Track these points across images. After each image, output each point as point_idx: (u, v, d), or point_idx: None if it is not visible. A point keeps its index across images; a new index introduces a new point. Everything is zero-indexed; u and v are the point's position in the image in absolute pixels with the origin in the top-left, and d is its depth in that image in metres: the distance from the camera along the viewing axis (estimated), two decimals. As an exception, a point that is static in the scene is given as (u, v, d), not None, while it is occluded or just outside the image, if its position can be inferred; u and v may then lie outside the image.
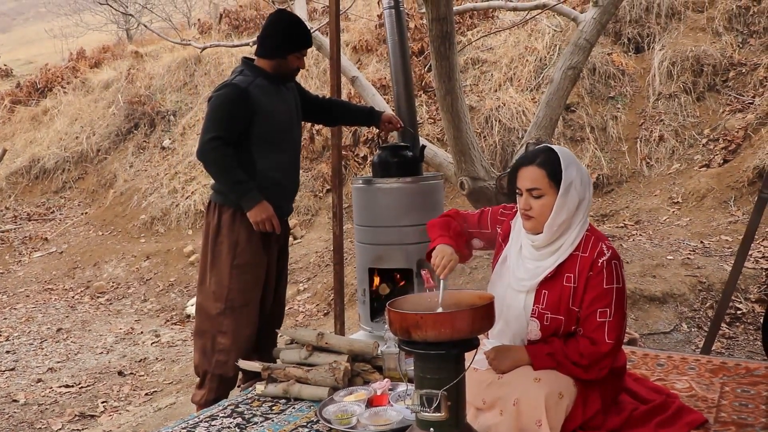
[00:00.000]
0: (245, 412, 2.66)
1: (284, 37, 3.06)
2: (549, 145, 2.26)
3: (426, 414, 1.84)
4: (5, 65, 15.32)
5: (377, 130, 7.79)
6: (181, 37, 10.49)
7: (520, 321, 2.20)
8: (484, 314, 1.85)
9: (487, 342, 2.29)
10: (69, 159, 10.71)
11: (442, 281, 2.10)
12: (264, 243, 3.09)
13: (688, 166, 6.45)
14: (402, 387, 2.58)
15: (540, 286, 2.17)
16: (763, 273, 4.61)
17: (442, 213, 2.47)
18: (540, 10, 6.35)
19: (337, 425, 2.37)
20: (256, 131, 2.99)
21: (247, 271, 3.05)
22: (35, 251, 9.03)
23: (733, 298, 4.24)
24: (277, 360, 3.03)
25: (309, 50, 3.24)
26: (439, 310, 1.96)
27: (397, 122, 3.54)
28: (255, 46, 3.17)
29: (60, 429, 4.16)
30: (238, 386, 3.25)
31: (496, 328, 2.26)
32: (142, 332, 6.07)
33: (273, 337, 3.31)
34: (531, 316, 2.17)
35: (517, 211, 2.37)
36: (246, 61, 3.13)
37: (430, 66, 4.35)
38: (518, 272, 2.24)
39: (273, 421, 2.55)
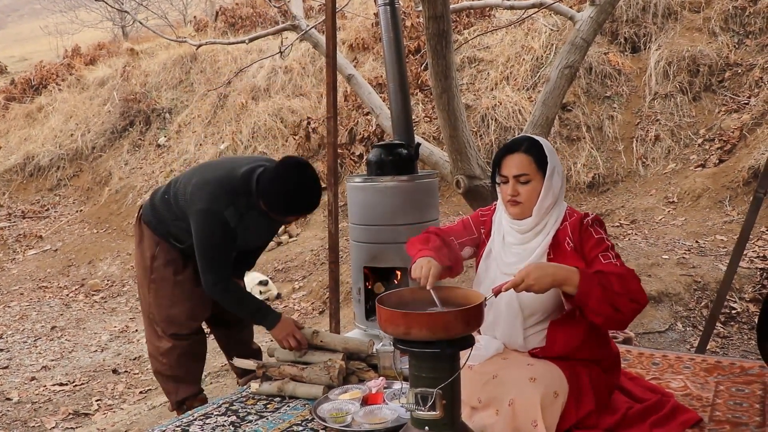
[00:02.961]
0: (240, 411, 2.65)
1: (280, 203, 2.80)
2: (527, 134, 2.30)
3: (421, 413, 1.83)
4: None
5: (373, 128, 7.80)
6: (177, 35, 10.47)
7: (511, 307, 2.21)
8: (471, 316, 1.82)
9: (479, 337, 2.29)
10: (64, 156, 10.69)
11: (432, 291, 2.03)
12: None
13: (684, 165, 6.46)
14: (397, 385, 2.58)
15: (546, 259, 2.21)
16: (758, 272, 4.61)
17: (423, 231, 2.45)
18: (537, 9, 6.35)
19: (332, 423, 2.36)
20: None
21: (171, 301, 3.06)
22: (29, 249, 9.00)
23: (727, 297, 4.25)
24: (272, 358, 3.02)
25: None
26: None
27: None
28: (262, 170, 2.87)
29: (54, 427, 4.14)
30: (237, 382, 3.25)
31: (488, 320, 2.25)
32: (136, 330, 6.05)
33: (242, 342, 3.35)
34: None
35: (495, 209, 2.39)
36: (245, 183, 2.82)
37: (427, 64, 4.34)
38: (506, 258, 2.27)
39: (267, 419, 2.54)
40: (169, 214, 2.92)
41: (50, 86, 12.40)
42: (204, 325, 3.21)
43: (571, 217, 2.24)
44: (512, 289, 2.02)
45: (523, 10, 6.57)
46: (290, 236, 7.50)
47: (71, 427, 4.14)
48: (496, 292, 1.97)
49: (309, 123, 8.56)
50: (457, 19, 8.80)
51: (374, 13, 9.19)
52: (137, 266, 3.11)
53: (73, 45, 14.28)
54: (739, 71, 6.89)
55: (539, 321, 2.22)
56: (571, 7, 6.56)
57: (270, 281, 6.37)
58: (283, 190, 2.74)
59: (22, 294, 7.62)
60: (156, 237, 2.99)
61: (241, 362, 2.99)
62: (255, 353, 3.32)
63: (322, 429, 2.40)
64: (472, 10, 8.54)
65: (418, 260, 2.18)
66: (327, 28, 3.70)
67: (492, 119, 7.34)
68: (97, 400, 4.51)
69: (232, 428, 2.48)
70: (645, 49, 7.59)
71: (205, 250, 2.81)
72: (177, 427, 2.53)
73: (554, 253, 2.21)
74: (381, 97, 5.82)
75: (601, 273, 2.00)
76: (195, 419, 2.60)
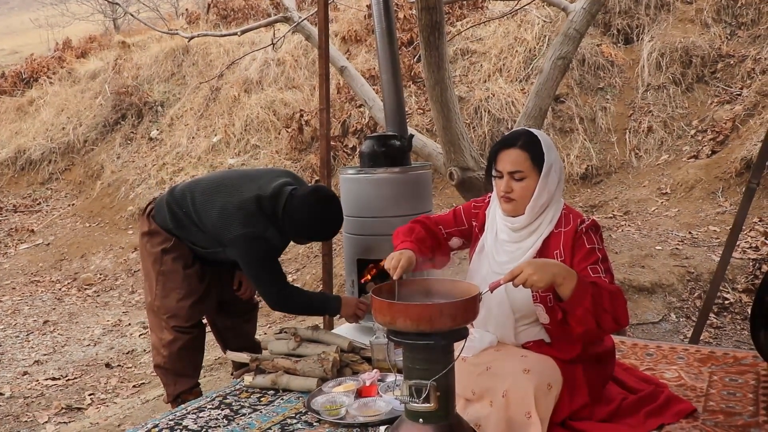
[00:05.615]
0: (233, 404, 2.64)
1: (304, 233, 2.96)
2: (526, 128, 2.26)
3: (415, 405, 1.82)
4: (-10, 55, 15.15)
5: (366, 120, 7.78)
6: (169, 27, 10.41)
7: (502, 305, 2.20)
8: (458, 310, 1.79)
9: (472, 329, 2.28)
10: (55, 150, 10.61)
11: (397, 283, 2.02)
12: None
13: (677, 157, 6.47)
14: (391, 378, 2.57)
15: None
16: (751, 263, 4.63)
17: (412, 220, 2.45)
18: (530, 0, 6.33)
19: (326, 416, 2.36)
20: None
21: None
22: (22, 243, 8.96)
23: (720, 288, 4.27)
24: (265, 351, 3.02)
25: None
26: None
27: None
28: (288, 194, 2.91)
29: (46, 422, 4.12)
30: (231, 374, 3.25)
31: (480, 316, 2.25)
32: (129, 324, 6.04)
33: (245, 334, 3.36)
34: (534, 302, 2.15)
35: (489, 201, 2.37)
36: (275, 202, 2.90)
37: (420, 56, 4.32)
38: (498, 257, 2.24)
39: (261, 412, 2.53)
40: (192, 225, 2.96)
41: (41, 79, 12.30)
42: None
43: (567, 222, 2.17)
44: (504, 289, 2.00)
45: (516, 2, 6.56)
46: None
47: (64, 422, 4.12)
48: (493, 288, 1.95)
49: (302, 115, 8.53)
50: (450, 10, 8.77)
51: (367, 5, 9.15)
52: (144, 257, 3.11)
53: (64, 38, 14.15)
54: (732, 62, 6.90)
55: (531, 321, 2.22)
56: (564, -1, 6.55)
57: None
58: (309, 219, 2.86)
59: (14, 288, 7.58)
60: (171, 237, 3.02)
61: (234, 355, 2.99)
62: (255, 346, 3.32)
63: (316, 422, 2.39)
64: (464, 2, 8.52)
65: (394, 252, 2.20)
66: (319, 20, 3.68)
67: (485, 111, 7.33)
68: (90, 395, 4.50)
69: (226, 421, 2.47)
70: (638, 40, 7.59)
71: (258, 271, 2.88)
72: (170, 420, 2.52)
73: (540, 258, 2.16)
74: (374, 89, 5.80)
75: (596, 285, 1.96)
76: (188, 413, 2.59)
